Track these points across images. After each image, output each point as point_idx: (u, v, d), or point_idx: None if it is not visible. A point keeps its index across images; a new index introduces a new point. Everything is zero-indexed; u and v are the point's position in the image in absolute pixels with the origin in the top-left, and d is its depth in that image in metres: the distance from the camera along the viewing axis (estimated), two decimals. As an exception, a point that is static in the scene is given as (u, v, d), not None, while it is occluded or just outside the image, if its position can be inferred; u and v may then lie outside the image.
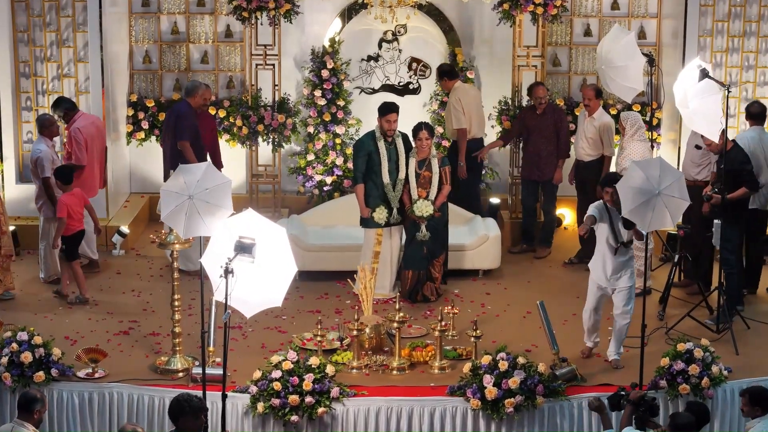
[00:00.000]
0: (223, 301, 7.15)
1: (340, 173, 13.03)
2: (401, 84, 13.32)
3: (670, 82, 11.37)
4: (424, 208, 10.56)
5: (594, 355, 9.54)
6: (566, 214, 13.13)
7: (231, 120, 12.77)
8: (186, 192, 8.04)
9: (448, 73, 12.28)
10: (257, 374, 8.75)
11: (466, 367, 8.90)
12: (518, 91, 12.62)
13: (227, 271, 7.08)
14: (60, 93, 12.29)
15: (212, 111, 12.75)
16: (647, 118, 12.36)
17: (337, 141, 13.09)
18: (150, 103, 13.00)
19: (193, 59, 13.23)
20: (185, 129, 11.12)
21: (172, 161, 10.96)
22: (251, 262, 7.12)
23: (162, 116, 12.64)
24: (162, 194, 8.32)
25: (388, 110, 10.67)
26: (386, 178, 10.68)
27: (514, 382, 8.65)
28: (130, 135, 13.13)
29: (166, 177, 11.22)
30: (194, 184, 8.04)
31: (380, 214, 10.64)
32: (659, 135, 12.71)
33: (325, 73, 12.94)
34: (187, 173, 8.21)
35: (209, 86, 12.04)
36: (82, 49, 12.38)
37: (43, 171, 10.90)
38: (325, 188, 13.01)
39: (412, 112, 12.57)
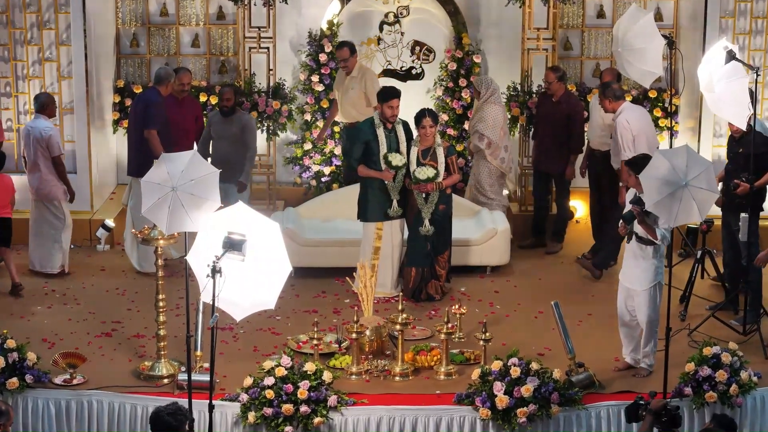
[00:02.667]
0: (211, 303, 6.87)
1: (338, 163, 12.81)
2: (403, 69, 13.14)
3: (688, 67, 10.98)
4: (426, 171, 10.22)
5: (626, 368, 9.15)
6: (579, 206, 12.83)
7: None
8: (169, 183, 7.64)
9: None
10: (248, 381, 8.46)
11: (475, 373, 8.59)
12: (528, 76, 12.39)
13: (215, 271, 6.75)
14: (41, 78, 12.11)
15: (203, 97, 12.58)
16: (665, 105, 12.22)
17: (336, 129, 12.83)
18: (138, 89, 12.67)
19: (183, 42, 13.01)
20: (152, 117, 10.96)
21: (138, 151, 10.90)
22: (241, 261, 6.82)
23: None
24: (143, 186, 7.91)
25: (390, 95, 10.35)
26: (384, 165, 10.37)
27: (527, 389, 8.34)
28: (116, 123, 12.85)
29: (130, 167, 11.15)
30: (178, 175, 7.64)
31: (396, 159, 10.30)
32: (677, 123, 12.42)
33: (322, 57, 12.76)
34: (170, 162, 7.79)
35: (188, 69, 11.89)
36: (64, 32, 12.11)
37: (54, 149, 10.85)
38: (323, 179, 12.86)
39: (414, 99, 12.42)
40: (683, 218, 7.96)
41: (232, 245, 6.77)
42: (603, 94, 10.99)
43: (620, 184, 10.84)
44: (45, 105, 11.00)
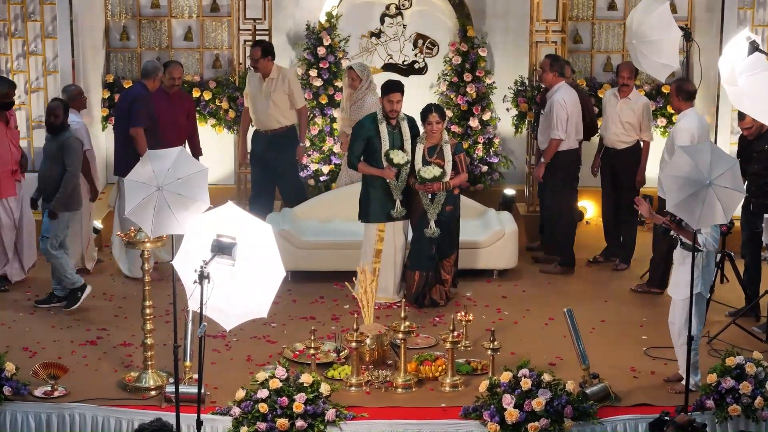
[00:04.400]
0: (200, 311, 6.71)
1: (338, 162, 12.52)
2: (406, 63, 12.90)
3: (705, 61, 11.06)
4: (432, 170, 9.91)
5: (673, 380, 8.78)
6: (588, 206, 12.63)
7: (217, 103, 12.49)
8: (154, 182, 7.40)
9: None
10: (240, 394, 8.13)
11: (483, 385, 8.27)
12: (536, 70, 12.10)
13: (202, 276, 6.60)
14: (25, 72, 11.99)
15: (196, 93, 12.43)
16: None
17: (335, 126, 12.52)
18: (128, 85, 12.43)
19: (175, 36, 12.83)
20: (138, 114, 10.64)
21: (125, 150, 10.60)
22: (231, 265, 6.68)
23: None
24: (126, 185, 7.66)
25: (390, 89, 10.06)
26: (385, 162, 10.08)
27: (538, 403, 8.01)
28: (105, 119, 12.64)
29: (117, 167, 10.83)
30: (164, 173, 7.39)
31: (398, 156, 9.97)
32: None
33: (321, 51, 12.49)
34: (156, 160, 7.56)
35: (179, 62, 11.62)
36: (50, 24, 11.96)
37: (83, 144, 10.54)
38: (322, 178, 12.60)
39: (418, 94, 12.08)
40: (707, 220, 7.63)
41: (222, 249, 6.64)
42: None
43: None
44: (73, 97, 10.78)
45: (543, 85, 11.27)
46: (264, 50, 11.33)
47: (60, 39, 11.76)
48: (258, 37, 12.09)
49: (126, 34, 12.73)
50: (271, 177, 11.54)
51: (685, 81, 10.60)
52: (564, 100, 10.67)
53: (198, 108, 12.23)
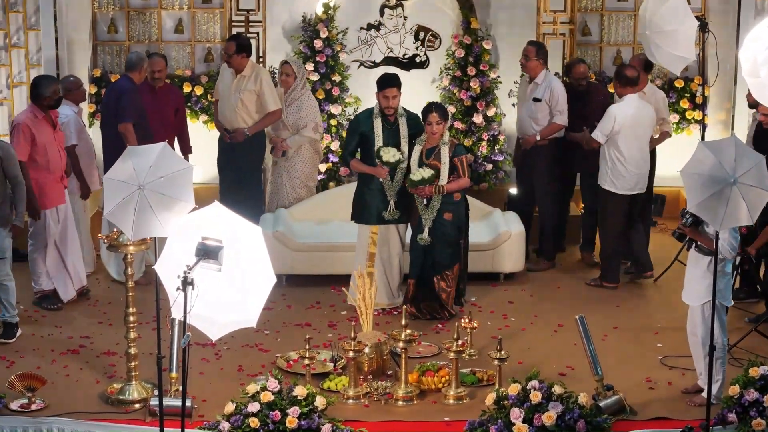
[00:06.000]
0: (183, 320, 6.53)
1: (335, 160, 12.32)
2: (406, 56, 12.65)
3: (721, 53, 10.94)
4: (421, 173, 9.58)
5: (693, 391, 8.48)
6: None
7: (209, 98, 12.20)
8: (135, 181, 7.15)
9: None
10: (230, 407, 7.84)
11: (489, 398, 7.96)
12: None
13: (186, 283, 6.39)
14: (7, 66, 11.82)
15: (187, 88, 12.25)
16: (694, 94, 12.01)
17: (332, 122, 12.35)
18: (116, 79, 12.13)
19: (165, 28, 12.63)
20: (125, 109, 10.35)
21: (113, 148, 10.16)
22: (217, 271, 6.49)
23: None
24: (105, 184, 7.37)
25: (385, 83, 9.77)
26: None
27: (548, 417, 7.70)
28: (92, 116, 12.43)
29: (106, 167, 10.32)
30: (146, 171, 7.15)
31: (389, 154, 9.68)
32: (706, 115, 11.83)
33: (318, 44, 12.26)
34: (136, 157, 7.31)
35: (162, 55, 11.35)
36: (33, 15, 11.82)
37: (69, 139, 10.31)
38: (319, 177, 12.23)
39: (418, 89, 12.11)
40: (730, 221, 7.28)
41: (207, 253, 6.44)
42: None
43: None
44: (69, 90, 10.57)
45: (527, 75, 11.09)
46: (239, 46, 10.92)
47: (43, 31, 11.63)
48: (252, 30, 11.96)
49: (114, 27, 12.55)
50: (234, 182, 11.07)
51: (626, 66, 10.57)
52: (561, 86, 10.82)
53: (189, 104, 12.10)
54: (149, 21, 12.55)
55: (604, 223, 10.39)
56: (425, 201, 9.64)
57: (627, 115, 10.06)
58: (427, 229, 9.66)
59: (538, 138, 10.69)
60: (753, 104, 9.75)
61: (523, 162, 11.01)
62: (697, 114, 12.01)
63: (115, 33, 12.52)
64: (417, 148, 9.68)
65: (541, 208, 11.06)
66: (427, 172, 9.54)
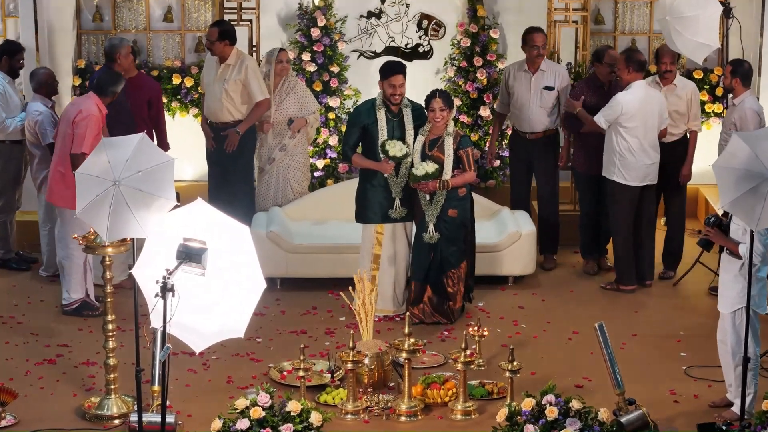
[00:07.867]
0: (163, 330, 6.41)
1: (334, 155, 12.01)
2: (409, 46, 12.40)
3: (745, 42, 10.84)
4: (425, 167, 9.25)
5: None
6: None
7: (200, 90, 11.79)
8: (110, 176, 6.82)
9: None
10: (216, 424, 7.46)
11: (501, 413, 7.57)
12: (555, 53, 11.70)
13: (166, 288, 6.22)
14: None
15: (177, 79, 11.94)
16: (714, 86, 11.76)
17: (331, 116, 12.03)
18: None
19: (153, 17, 12.35)
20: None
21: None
22: (201, 275, 6.36)
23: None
24: (77, 178, 7.00)
25: (391, 71, 9.42)
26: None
27: None
28: None
29: None
30: (122, 165, 6.81)
31: (395, 148, 9.33)
32: (725, 108, 11.42)
33: (315, 33, 11.98)
34: (111, 149, 6.96)
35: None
36: (11, 1, 11.71)
37: (45, 137, 10.04)
38: (316, 174, 12.04)
39: (422, 80, 11.70)
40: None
41: (189, 255, 6.32)
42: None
43: None
44: (41, 83, 10.29)
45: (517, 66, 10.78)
46: (221, 33, 10.43)
47: (22, 18, 11.38)
48: (244, 18, 11.59)
49: (99, 15, 12.26)
50: (224, 177, 10.64)
51: (635, 50, 10.23)
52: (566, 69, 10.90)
53: (179, 96, 11.79)
54: (136, 9, 12.29)
55: (614, 218, 9.98)
56: (428, 196, 9.33)
57: (635, 104, 9.67)
58: (431, 226, 9.37)
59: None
60: None
61: (526, 158, 10.66)
62: (717, 107, 11.67)
63: (100, 21, 12.25)
64: (420, 139, 9.41)
65: (544, 206, 10.81)
66: (431, 167, 9.20)
